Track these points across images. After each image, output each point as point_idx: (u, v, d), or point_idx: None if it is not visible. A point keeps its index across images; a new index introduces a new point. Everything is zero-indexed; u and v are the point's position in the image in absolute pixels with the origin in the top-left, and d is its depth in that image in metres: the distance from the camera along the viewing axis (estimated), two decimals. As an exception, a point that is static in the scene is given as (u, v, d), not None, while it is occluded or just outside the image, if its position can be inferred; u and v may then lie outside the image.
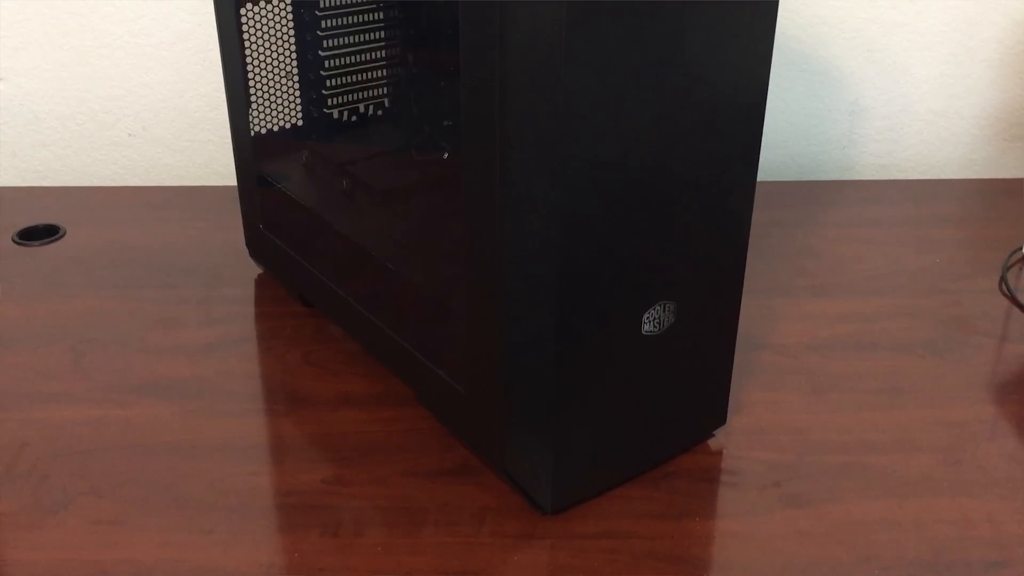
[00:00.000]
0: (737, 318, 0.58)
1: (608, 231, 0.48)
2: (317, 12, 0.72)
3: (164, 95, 1.00)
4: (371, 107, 0.77)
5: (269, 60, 0.72)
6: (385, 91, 0.77)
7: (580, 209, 0.47)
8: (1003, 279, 0.79)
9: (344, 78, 0.75)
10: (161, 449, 0.60)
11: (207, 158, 1.03)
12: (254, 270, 0.80)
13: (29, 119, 1.00)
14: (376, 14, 0.74)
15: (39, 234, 0.86)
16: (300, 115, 0.75)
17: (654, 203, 0.49)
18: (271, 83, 0.73)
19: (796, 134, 1.03)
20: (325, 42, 0.73)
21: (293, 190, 0.71)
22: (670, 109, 0.47)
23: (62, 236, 0.86)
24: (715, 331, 0.57)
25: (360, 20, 0.74)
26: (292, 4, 0.72)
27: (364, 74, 0.76)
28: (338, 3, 0.73)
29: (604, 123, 0.45)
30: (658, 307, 0.53)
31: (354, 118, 0.77)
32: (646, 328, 0.53)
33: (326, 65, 0.74)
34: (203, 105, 1.00)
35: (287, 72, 0.74)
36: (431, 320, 0.60)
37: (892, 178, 1.04)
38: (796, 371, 0.68)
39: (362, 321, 0.65)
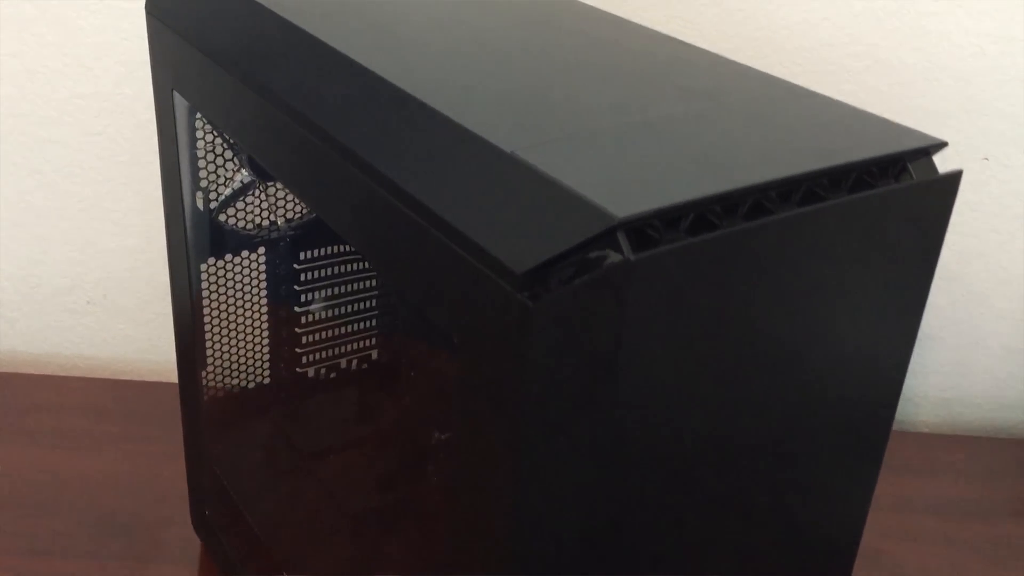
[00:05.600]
0: None
1: None
2: (296, 265, 0.60)
3: (131, 263, 0.87)
4: (354, 362, 0.65)
5: (231, 318, 0.60)
6: (370, 343, 0.65)
7: None
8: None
9: (323, 333, 0.63)
10: None
11: (175, 332, 0.90)
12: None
13: (-25, 277, 0.88)
14: (365, 262, 0.62)
15: (-40, 449, 0.73)
16: (266, 376, 0.62)
17: None
18: (231, 343, 0.60)
19: (849, 358, 0.89)
20: (303, 296, 0.61)
21: (246, 490, 0.58)
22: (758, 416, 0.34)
23: (-15, 457, 0.73)
24: None
25: (347, 271, 0.61)
26: (266, 254, 0.59)
27: (346, 328, 0.63)
28: (323, 253, 0.60)
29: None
30: None
31: (333, 375, 0.64)
32: None
33: (302, 321, 0.61)
34: (174, 277, 0.87)
35: (253, 329, 0.61)
36: None
37: (956, 414, 0.91)
38: None
39: None
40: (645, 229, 0.27)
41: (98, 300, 0.89)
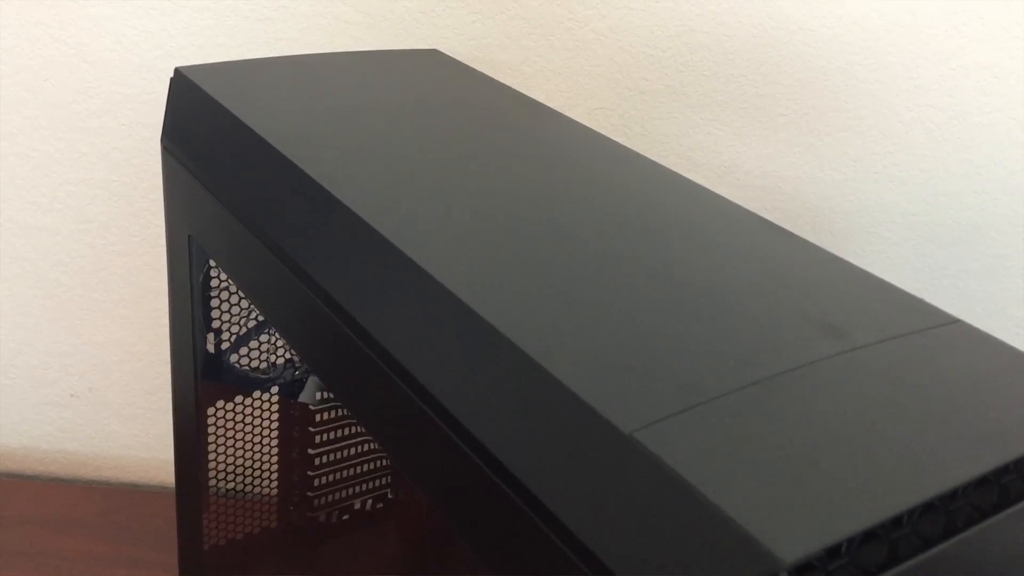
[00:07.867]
0: None
1: None
2: (312, 406, 0.54)
3: (119, 356, 0.82)
4: (368, 502, 0.59)
5: (239, 460, 0.54)
6: (385, 481, 0.59)
7: None
8: None
9: (338, 474, 0.57)
10: None
11: (164, 428, 0.84)
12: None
13: (-49, 366, 0.82)
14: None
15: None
16: (273, 521, 0.57)
17: None
18: (237, 486, 0.55)
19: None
20: (317, 437, 0.55)
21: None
22: None
23: (-45, 583, 0.67)
24: None
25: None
26: (279, 394, 0.54)
27: (362, 467, 0.58)
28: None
29: None
30: None
31: (345, 517, 0.59)
32: None
33: (315, 463, 0.56)
34: (165, 371, 0.82)
35: (262, 472, 0.55)
36: None
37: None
38: None
39: None
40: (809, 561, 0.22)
41: (83, 393, 0.83)
